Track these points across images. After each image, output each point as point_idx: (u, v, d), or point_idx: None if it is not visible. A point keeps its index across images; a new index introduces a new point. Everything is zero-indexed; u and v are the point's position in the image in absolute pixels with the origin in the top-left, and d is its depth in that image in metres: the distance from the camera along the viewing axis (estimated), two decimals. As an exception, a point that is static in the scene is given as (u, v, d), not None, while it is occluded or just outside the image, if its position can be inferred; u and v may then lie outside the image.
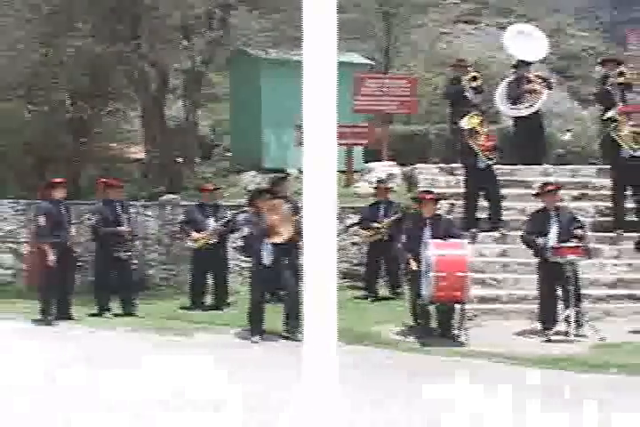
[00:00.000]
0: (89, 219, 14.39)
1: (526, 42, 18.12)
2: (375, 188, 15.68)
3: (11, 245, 16.96)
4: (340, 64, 16.03)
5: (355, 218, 15.61)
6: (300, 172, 16.86)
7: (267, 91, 19.19)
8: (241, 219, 13.63)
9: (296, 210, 12.38)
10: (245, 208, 15.02)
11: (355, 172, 18.03)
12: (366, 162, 18.65)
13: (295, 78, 16.43)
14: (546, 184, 13.08)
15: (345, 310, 13.33)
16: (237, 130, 20.68)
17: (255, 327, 12.13)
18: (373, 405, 8.65)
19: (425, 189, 14.34)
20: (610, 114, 15.11)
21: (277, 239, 12.00)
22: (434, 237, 11.96)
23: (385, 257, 14.86)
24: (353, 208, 15.78)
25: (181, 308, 14.41)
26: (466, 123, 14.90)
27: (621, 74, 16.79)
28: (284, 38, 19.04)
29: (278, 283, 12.23)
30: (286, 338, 12.04)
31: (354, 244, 15.83)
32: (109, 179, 14.72)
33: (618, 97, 16.62)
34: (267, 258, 12.03)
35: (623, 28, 32.39)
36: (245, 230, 12.48)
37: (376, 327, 12.48)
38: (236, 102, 20.82)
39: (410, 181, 16.80)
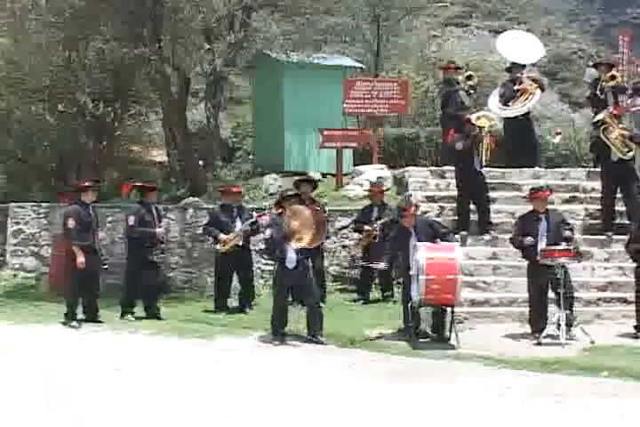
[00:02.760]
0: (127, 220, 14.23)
1: (520, 45, 18.18)
2: (369, 190, 15.68)
3: (33, 248, 16.95)
4: (331, 67, 16.22)
5: (344, 221, 15.61)
6: (323, 175, 17.04)
7: (288, 94, 19.16)
8: (266, 221, 13.59)
9: (319, 214, 12.47)
10: (268, 210, 15.07)
11: (345, 174, 18.03)
12: (356, 165, 18.65)
13: (317, 81, 16.58)
14: (536, 189, 13.07)
15: (335, 313, 13.39)
16: (259, 133, 20.65)
17: (277, 331, 12.08)
18: (364, 406, 8.66)
19: (409, 195, 14.25)
20: (599, 117, 15.13)
21: (298, 245, 11.95)
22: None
23: (378, 260, 14.81)
24: (343, 211, 15.77)
25: (205, 311, 14.36)
26: (473, 120, 14.91)
27: (613, 77, 16.83)
28: (306, 41, 19.04)
29: (302, 286, 12.13)
30: (309, 341, 12.02)
31: (344, 247, 15.81)
32: (145, 183, 14.72)
33: (610, 100, 16.67)
34: (290, 262, 11.98)
35: (613, 30, 32.48)
36: (268, 233, 12.41)
37: (367, 330, 12.47)
38: (257, 105, 20.80)
39: (400, 183, 16.79)
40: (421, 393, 9.23)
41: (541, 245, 12.09)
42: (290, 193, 13.07)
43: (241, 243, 14.34)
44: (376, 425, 8.14)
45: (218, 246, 14.37)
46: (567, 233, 12.16)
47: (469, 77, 17.67)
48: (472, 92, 17.61)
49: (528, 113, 17.41)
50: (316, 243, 12.32)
